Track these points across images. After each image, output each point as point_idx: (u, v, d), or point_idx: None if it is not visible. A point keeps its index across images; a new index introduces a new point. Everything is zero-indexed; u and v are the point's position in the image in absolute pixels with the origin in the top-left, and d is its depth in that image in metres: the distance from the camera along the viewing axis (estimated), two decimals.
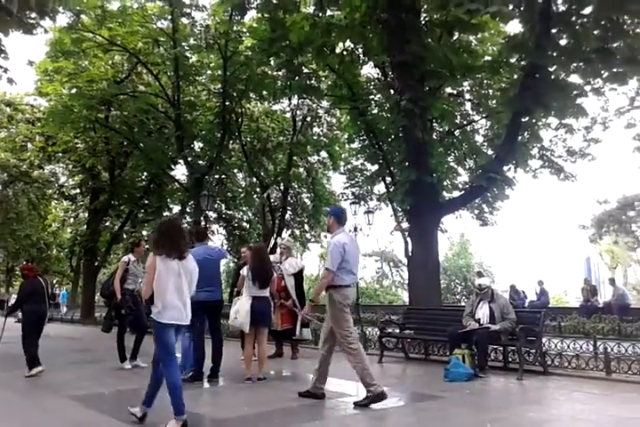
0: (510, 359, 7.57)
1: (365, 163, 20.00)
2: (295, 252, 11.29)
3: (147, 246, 8.92)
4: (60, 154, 26.87)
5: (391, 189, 16.87)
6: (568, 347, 7.55)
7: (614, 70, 10.20)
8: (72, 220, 30.85)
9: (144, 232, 28.02)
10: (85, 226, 27.68)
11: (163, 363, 4.50)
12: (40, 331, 7.48)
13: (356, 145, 20.16)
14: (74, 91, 21.03)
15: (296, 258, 10.33)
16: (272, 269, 7.33)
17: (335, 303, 5.48)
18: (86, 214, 28.40)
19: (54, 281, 37.54)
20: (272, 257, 8.77)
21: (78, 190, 28.95)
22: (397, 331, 9.10)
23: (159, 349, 4.56)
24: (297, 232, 27.69)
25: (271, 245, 20.45)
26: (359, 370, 5.35)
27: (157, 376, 4.59)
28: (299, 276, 9.27)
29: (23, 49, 30.90)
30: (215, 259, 7.09)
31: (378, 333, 9.00)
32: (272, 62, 15.79)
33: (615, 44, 10.02)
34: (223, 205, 27.98)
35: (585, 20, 9.80)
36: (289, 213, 26.33)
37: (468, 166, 19.02)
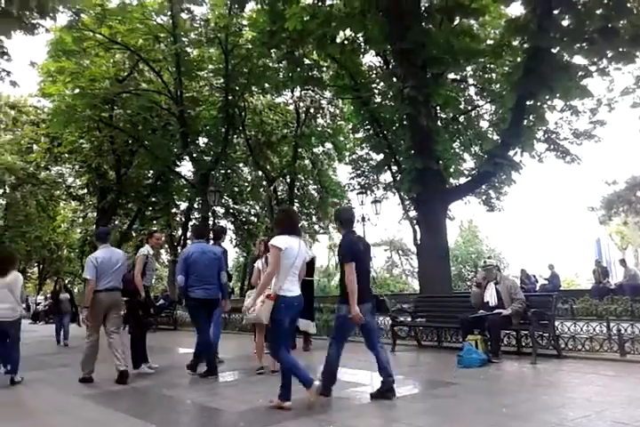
0: (523, 344, 7.55)
1: (370, 152, 19.96)
2: (305, 244, 11.15)
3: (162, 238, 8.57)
4: (66, 155, 27.01)
5: (397, 178, 16.83)
6: (581, 329, 7.53)
7: (619, 49, 10.07)
8: (81, 220, 31.01)
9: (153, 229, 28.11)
10: (94, 225, 27.81)
11: None
12: None
13: (360, 135, 20.12)
14: (77, 91, 21.11)
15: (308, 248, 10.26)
16: None
17: (92, 304, 6.64)
18: (95, 214, 28.56)
19: (66, 281, 37.65)
20: None
21: (86, 190, 29.08)
22: (409, 319, 9.10)
23: None
24: (305, 224, 27.72)
25: None
26: (84, 359, 6.79)
27: None
28: (310, 265, 9.23)
29: (25, 50, 30.83)
30: (212, 257, 6.93)
31: (390, 322, 8.99)
32: (273, 55, 15.73)
33: (619, 23, 9.88)
34: (230, 200, 28.00)
35: None
36: (296, 205, 26.33)
37: (473, 152, 18.97)
